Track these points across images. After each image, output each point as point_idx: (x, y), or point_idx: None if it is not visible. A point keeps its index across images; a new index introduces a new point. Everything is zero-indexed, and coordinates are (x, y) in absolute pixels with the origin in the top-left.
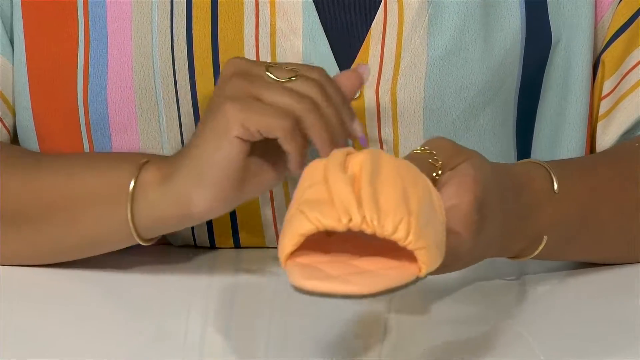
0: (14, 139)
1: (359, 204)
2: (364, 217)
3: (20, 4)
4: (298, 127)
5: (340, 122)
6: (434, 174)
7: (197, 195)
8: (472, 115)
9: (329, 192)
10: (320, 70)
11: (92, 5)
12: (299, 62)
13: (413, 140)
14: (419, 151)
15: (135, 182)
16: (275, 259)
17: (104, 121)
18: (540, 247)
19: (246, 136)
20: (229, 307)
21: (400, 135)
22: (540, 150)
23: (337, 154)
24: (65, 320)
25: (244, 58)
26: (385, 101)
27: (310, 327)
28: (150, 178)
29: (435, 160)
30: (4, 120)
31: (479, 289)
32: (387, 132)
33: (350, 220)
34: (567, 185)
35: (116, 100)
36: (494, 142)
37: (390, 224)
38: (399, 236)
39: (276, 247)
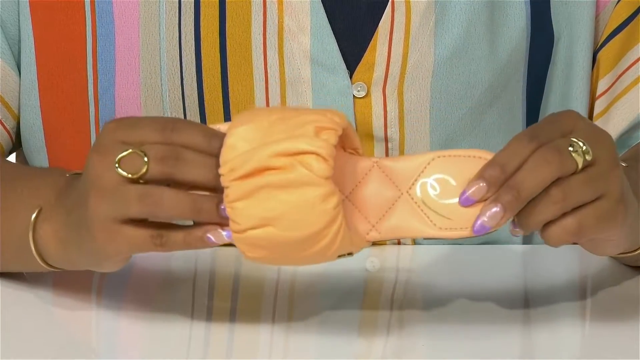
0: (17, 140)
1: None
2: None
3: (27, 3)
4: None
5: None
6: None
7: (97, 269)
8: (478, 114)
9: None
10: (180, 129)
11: (99, 2)
12: (306, 60)
13: (419, 139)
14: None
15: (34, 242)
16: None
17: (111, 118)
18: None
19: (127, 258)
20: (232, 306)
21: (406, 133)
22: None
23: None
24: (68, 321)
25: (97, 152)
26: (391, 100)
27: (314, 326)
28: (46, 237)
29: (583, 153)
30: (4, 123)
31: (482, 288)
32: (393, 130)
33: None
34: None
35: (123, 97)
36: (501, 140)
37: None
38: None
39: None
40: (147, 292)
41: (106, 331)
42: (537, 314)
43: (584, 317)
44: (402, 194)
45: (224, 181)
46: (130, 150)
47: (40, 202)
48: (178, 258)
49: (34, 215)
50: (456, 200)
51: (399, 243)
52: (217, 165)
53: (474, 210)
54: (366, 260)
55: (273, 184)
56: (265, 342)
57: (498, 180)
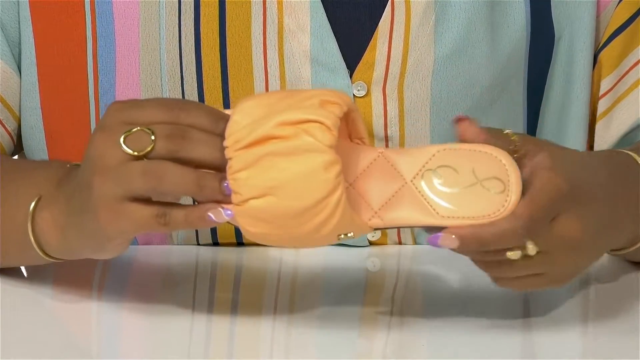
0: (18, 142)
1: None
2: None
3: (28, 4)
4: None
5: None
6: (511, 144)
7: (98, 256)
8: (479, 113)
9: None
10: (186, 111)
11: (98, 3)
12: (306, 59)
13: (419, 138)
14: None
15: (32, 232)
16: (277, 257)
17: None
18: None
19: (129, 239)
20: (232, 306)
21: (406, 133)
22: None
23: None
24: (69, 319)
25: (102, 131)
26: (392, 99)
27: (315, 325)
28: (45, 225)
29: (513, 138)
30: (5, 125)
31: (482, 288)
32: (393, 129)
33: None
34: None
35: (123, 97)
36: None
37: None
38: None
39: (278, 246)
40: (148, 287)
41: (108, 327)
42: (537, 313)
43: (584, 317)
44: (406, 182)
45: (228, 153)
46: (137, 129)
47: (40, 192)
48: (179, 254)
49: (32, 204)
50: (460, 189)
51: (399, 243)
52: (223, 145)
53: (478, 199)
54: (367, 260)
55: (276, 152)
56: (266, 340)
57: (473, 249)
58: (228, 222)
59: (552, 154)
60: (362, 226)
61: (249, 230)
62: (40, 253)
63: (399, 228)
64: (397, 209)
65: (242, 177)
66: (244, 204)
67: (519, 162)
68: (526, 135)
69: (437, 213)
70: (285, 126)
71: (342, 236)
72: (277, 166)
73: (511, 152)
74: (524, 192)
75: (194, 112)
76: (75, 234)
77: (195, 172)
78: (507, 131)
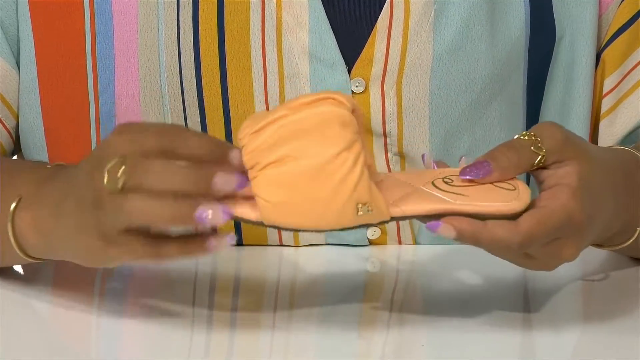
0: (17, 140)
1: None
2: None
3: (27, 2)
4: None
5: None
6: (537, 160)
7: (79, 259)
8: (477, 110)
9: None
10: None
11: (97, 0)
12: (304, 55)
13: (418, 134)
14: (524, 137)
15: (12, 232)
16: (277, 256)
17: (111, 114)
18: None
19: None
20: (232, 307)
21: (404, 129)
22: None
23: None
24: (70, 321)
25: (89, 163)
26: (390, 96)
27: (314, 326)
28: (24, 225)
29: (539, 149)
30: (5, 123)
31: (482, 289)
32: (391, 126)
33: None
34: None
35: (123, 93)
36: (501, 137)
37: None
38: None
39: (278, 246)
40: (148, 288)
41: (108, 329)
42: (537, 313)
43: (584, 316)
44: (416, 188)
45: (242, 140)
46: (116, 160)
47: (21, 192)
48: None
49: (13, 205)
50: (472, 186)
51: (399, 243)
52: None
53: (491, 192)
54: (367, 260)
55: (292, 120)
56: (266, 341)
57: (467, 243)
58: (234, 218)
59: (581, 171)
60: (381, 205)
61: (269, 200)
62: (20, 253)
63: (412, 218)
64: (412, 202)
65: (258, 149)
66: (262, 169)
67: (546, 166)
68: (563, 136)
69: (454, 202)
70: (301, 107)
71: (361, 207)
72: (294, 130)
73: (535, 155)
74: (535, 204)
75: (191, 140)
76: (64, 233)
77: (194, 168)
78: (524, 135)
